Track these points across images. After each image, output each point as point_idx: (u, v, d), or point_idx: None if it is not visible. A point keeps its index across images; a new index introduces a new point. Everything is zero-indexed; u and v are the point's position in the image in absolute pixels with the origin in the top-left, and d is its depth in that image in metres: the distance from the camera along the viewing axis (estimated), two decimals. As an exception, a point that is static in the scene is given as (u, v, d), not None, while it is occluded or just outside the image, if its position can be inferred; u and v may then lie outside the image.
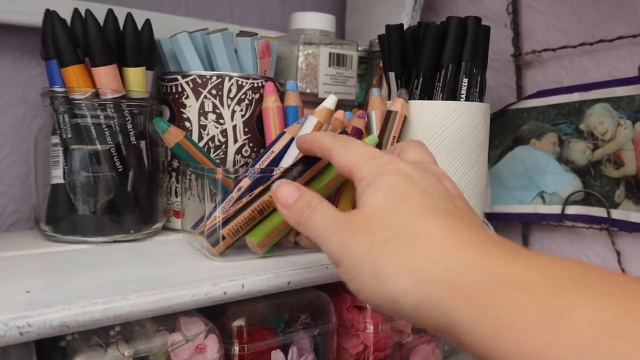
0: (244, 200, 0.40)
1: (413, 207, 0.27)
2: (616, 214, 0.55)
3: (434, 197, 0.28)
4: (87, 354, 0.33)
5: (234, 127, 0.51)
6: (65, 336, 0.34)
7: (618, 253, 0.57)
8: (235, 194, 0.42)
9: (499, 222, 0.65)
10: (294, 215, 0.32)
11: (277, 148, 0.46)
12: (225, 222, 0.40)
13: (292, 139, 0.46)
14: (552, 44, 0.61)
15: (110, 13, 0.48)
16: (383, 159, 0.30)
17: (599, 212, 0.57)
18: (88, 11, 0.45)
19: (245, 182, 0.42)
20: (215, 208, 0.41)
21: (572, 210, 0.59)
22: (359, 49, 0.64)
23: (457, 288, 0.23)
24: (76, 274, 0.37)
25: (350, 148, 0.32)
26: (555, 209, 0.60)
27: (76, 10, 0.47)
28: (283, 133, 0.47)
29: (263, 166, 0.45)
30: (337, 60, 0.61)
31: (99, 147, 0.46)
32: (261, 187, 0.41)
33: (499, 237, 0.26)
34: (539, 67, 0.63)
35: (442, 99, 0.51)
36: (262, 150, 0.52)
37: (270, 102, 0.51)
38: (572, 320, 0.19)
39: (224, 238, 0.40)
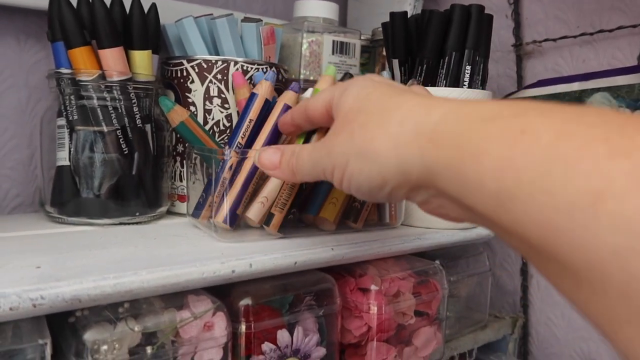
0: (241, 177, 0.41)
1: (383, 93, 0.29)
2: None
3: (400, 87, 0.31)
4: (96, 329, 0.34)
5: (239, 111, 0.51)
6: (75, 312, 0.34)
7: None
8: (227, 174, 0.42)
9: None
10: (285, 169, 0.34)
11: (254, 115, 0.46)
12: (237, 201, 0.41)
13: (266, 102, 0.46)
14: (552, 34, 0.62)
15: (116, -4, 0.48)
16: (346, 83, 0.33)
17: (597, 200, 0.58)
18: (96, -6, 0.45)
19: (234, 160, 0.42)
20: (213, 188, 0.41)
21: (571, 198, 0.60)
22: (362, 37, 0.64)
23: (428, 136, 0.24)
24: (85, 252, 0.37)
25: (319, 95, 0.35)
26: (554, 198, 0.61)
27: (82, -7, 0.47)
28: (254, 95, 0.46)
29: (245, 136, 0.45)
30: (341, 48, 0.61)
31: (105, 128, 0.46)
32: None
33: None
34: (540, 57, 0.64)
35: (445, 86, 0.52)
36: (236, 121, 0.51)
37: (246, 94, 0.49)
38: (531, 134, 0.20)
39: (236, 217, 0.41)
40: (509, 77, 0.66)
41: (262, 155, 0.35)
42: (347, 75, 0.53)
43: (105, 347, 0.34)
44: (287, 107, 0.43)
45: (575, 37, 0.59)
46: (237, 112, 0.51)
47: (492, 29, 0.54)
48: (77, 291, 0.31)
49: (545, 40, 0.62)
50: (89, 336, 0.33)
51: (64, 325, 0.35)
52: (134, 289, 0.33)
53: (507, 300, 0.69)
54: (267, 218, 0.42)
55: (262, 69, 0.52)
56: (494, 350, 0.62)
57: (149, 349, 0.35)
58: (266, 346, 0.40)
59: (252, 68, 0.52)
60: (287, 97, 0.44)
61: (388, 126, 0.27)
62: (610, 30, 0.56)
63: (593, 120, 0.19)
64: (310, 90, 0.46)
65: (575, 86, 0.58)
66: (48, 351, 0.30)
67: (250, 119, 0.46)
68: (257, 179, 0.42)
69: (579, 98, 0.58)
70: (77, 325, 0.34)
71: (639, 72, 0.53)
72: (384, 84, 0.31)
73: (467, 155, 0.22)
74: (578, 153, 0.18)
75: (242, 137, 0.45)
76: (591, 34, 0.58)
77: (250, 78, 0.51)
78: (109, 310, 0.34)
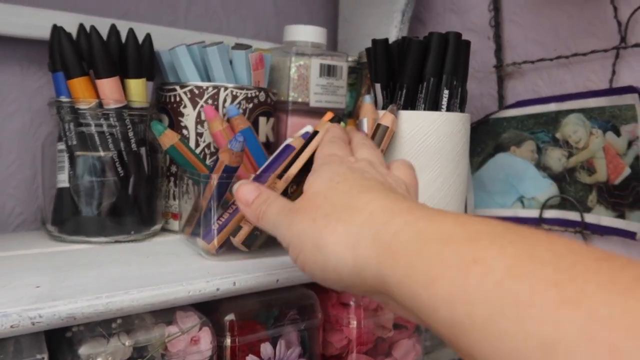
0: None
1: (352, 186, 0.29)
2: (589, 218, 0.59)
3: (372, 180, 0.31)
4: (91, 344, 0.36)
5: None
6: (72, 327, 0.37)
7: (591, 255, 0.60)
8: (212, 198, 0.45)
9: (482, 225, 0.68)
10: (254, 211, 0.34)
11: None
12: (223, 226, 0.44)
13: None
14: (531, 57, 0.65)
15: (113, 28, 0.51)
16: (334, 157, 0.34)
17: (573, 216, 0.60)
18: (93, 27, 0.48)
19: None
20: (210, 211, 0.44)
21: (549, 214, 0.63)
22: (349, 59, 0.67)
23: (386, 247, 0.25)
24: (81, 271, 0.40)
25: (322, 149, 0.36)
26: (534, 213, 0.64)
27: (81, 26, 0.50)
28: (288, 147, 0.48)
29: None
30: (328, 71, 0.64)
31: (102, 153, 0.49)
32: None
33: (433, 208, 0.28)
34: (519, 78, 0.66)
35: (424, 109, 0.54)
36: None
37: (220, 127, 0.51)
38: (483, 265, 0.20)
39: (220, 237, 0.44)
40: (491, 96, 0.69)
41: (241, 189, 0.36)
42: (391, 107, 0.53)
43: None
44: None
45: (551, 59, 0.62)
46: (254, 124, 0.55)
47: (474, 51, 0.57)
48: (72, 310, 0.34)
49: (524, 62, 0.65)
50: (83, 350, 0.36)
51: (61, 340, 0.38)
52: (125, 307, 0.36)
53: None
54: (235, 230, 0.44)
55: (249, 93, 0.55)
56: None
57: (139, 363, 0.38)
58: (250, 358, 0.43)
59: (241, 93, 0.55)
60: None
61: (350, 225, 0.27)
62: (584, 54, 0.59)
63: (544, 256, 0.19)
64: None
65: (552, 107, 0.61)
66: (44, 365, 0.33)
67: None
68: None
69: (555, 118, 0.61)
70: (73, 340, 0.37)
71: (609, 95, 0.56)
72: (355, 175, 0.31)
73: (421, 278, 0.22)
74: (529, 297, 0.18)
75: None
76: (567, 57, 0.61)
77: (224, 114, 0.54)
78: (102, 326, 0.37)
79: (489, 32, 0.69)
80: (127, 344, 0.37)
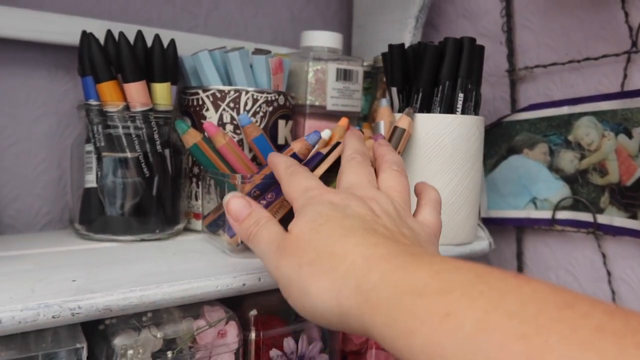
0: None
1: (334, 229, 0.30)
2: (601, 219, 0.60)
3: (355, 218, 0.31)
4: (124, 336, 0.38)
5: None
6: (104, 320, 0.39)
7: (604, 255, 0.61)
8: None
9: (495, 226, 0.70)
10: (244, 230, 0.35)
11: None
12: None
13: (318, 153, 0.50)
14: (543, 61, 0.66)
15: (139, 34, 0.53)
16: (314, 192, 0.34)
17: (586, 217, 0.61)
18: (121, 34, 0.50)
19: (249, 187, 0.46)
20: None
21: (561, 215, 0.64)
22: (364, 64, 0.69)
23: (366, 298, 0.26)
24: (112, 267, 0.42)
25: (292, 182, 0.36)
26: (547, 214, 0.65)
27: (109, 32, 0.52)
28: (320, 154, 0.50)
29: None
30: (344, 75, 0.65)
31: (128, 154, 0.51)
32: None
33: (414, 247, 0.29)
34: (532, 82, 0.68)
35: (439, 112, 0.56)
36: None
37: (222, 141, 0.52)
38: (455, 318, 0.21)
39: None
40: (503, 100, 0.71)
41: (232, 202, 0.36)
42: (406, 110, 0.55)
43: (131, 351, 0.38)
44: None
45: (563, 64, 0.63)
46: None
47: (487, 55, 0.58)
48: (109, 302, 0.35)
49: (537, 66, 0.66)
50: (117, 342, 0.37)
51: (94, 332, 0.39)
52: (157, 300, 0.37)
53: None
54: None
55: (269, 97, 0.57)
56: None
57: (169, 354, 0.40)
58: (273, 352, 0.44)
59: (261, 97, 0.57)
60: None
61: (333, 276, 0.28)
62: (596, 59, 0.60)
63: (512, 307, 0.21)
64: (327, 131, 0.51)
65: (565, 110, 0.62)
66: (84, 354, 0.35)
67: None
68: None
69: (567, 121, 0.62)
70: (106, 332, 0.39)
71: (620, 98, 0.57)
72: (340, 214, 0.31)
73: (399, 331, 0.24)
74: (498, 351, 0.19)
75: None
76: (578, 61, 0.62)
77: (234, 123, 0.56)
78: (134, 319, 0.39)
79: (502, 37, 0.70)
80: (158, 336, 0.39)
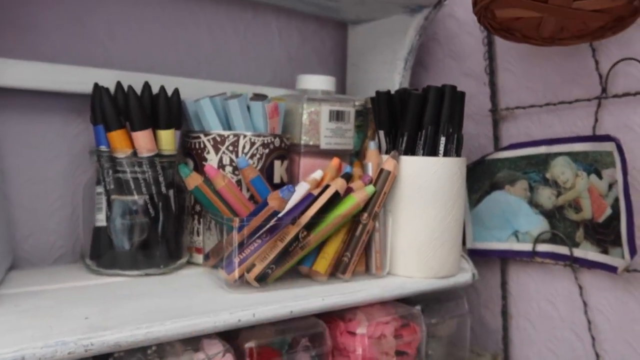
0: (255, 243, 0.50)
1: None
2: (577, 253, 0.64)
3: None
4: (131, 368, 0.42)
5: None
6: (114, 353, 0.43)
7: (580, 287, 0.65)
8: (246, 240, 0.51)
9: (480, 257, 0.74)
10: None
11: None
12: (242, 261, 0.50)
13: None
14: (523, 102, 0.71)
15: (146, 85, 0.58)
16: None
17: (563, 250, 0.65)
18: (130, 87, 0.55)
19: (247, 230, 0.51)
20: (235, 249, 0.51)
21: (541, 247, 0.68)
22: (356, 103, 0.74)
23: None
24: (120, 303, 0.47)
25: None
26: (528, 247, 0.69)
27: (119, 84, 0.57)
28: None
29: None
30: (337, 116, 0.70)
31: (136, 197, 0.56)
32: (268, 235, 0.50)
33: None
34: (513, 121, 0.72)
35: (423, 155, 0.60)
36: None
37: (222, 183, 0.56)
38: None
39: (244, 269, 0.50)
40: (487, 137, 0.75)
41: None
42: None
43: (137, 382, 0.42)
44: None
45: (541, 106, 0.68)
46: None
47: (471, 95, 0.63)
48: (119, 339, 0.40)
49: (517, 107, 0.71)
50: (125, 374, 0.42)
51: (104, 364, 0.44)
52: (161, 336, 0.42)
53: (491, 338, 0.76)
54: (249, 267, 0.51)
55: (265, 140, 0.62)
56: (476, 383, 0.70)
57: (171, 384, 0.44)
58: (267, 381, 0.48)
59: (258, 140, 0.61)
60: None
61: None
62: (570, 102, 0.65)
63: None
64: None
65: (542, 149, 0.67)
66: (95, 386, 0.39)
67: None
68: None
69: (545, 160, 0.66)
70: (115, 365, 0.43)
71: (591, 141, 0.61)
72: None
73: None
74: None
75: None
76: (555, 104, 0.67)
77: (234, 165, 0.61)
78: (140, 352, 0.43)
79: (485, 78, 0.75)
80: (161, 368, 0.43)
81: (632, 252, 0.56)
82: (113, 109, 0.55)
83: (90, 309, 0.45)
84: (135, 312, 0.44)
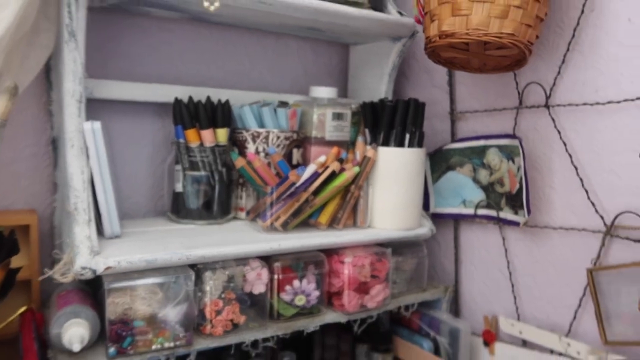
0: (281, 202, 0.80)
1: None
2: (502, 214, 0.92)
3: None
4: (209, 272, 0.72)
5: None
6: (197, 264, 0.73)
7: (503, 238, 0.94)
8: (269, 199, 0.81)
9: (440, 219, 1.02)
10: None
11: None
12: (272, 214, 0.79)
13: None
14: (470, 108, 0.98)
15: (208, 98, 0.87)
16: None
17: (493, 213, 0.94)
18: (200, 101, 0.84)
19: (275, 195, 0.81)
20: (268, 206, 0.80)
21: (480, 212, 0.96)
22: (353, 107, 1.02)
23: None
24: (197, 238, 0.77)
25: None
26: (471, 211, 0.97)
27: (190, 97, 0.86)
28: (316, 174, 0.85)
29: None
30: (338, 117, 0.98)
31: (202, 172, 0.86)
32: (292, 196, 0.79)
33: None
34: (465, 121, 1.00)
35: (394, 146, 0.89)
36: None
37: (258, 163, 0.85)
38: None
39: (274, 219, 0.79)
40: (446, 132, 1.03)
41: None
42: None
43: (211, 281, 0.72)
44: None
45: (482, 111, 0.95)
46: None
47: (437, 100, 0.91)
48: (204, 253, 0.70)
49: (467, 111, 0.98)
50: (206, 275, 0.72)
51: (192, 268, 0.74)
52: (228, 254, 0.72)
53: (447, 277, 1.06)
54: (276, 218, 0.80)
55: (287, 134, 0.91)
56: (433, 308, 0.99)
57: (231, 284, 0.74)
58: (288, 287, 0.78)
59: (282, 135, 0.90)
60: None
61: None
62: (499, 110, 0.92)
63: None
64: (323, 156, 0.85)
65: (482, 142, 0.94)
66: (192, 279, 0.69)
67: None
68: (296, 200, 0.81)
69: (483, 150, 0.94)
70: (200, 270, 0.73)
71: (510, 138, 0.89)
72: None
73: None
74: None
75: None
76: (490, 110, 0.94)
77: (265, 152, 0.90)
78: (212, 265, 0.73)
79: (447, 89, 1.02)
80: (225, 273, 0.73)
81: (529, 212, 0.84)
82: (188, 114, 0.84)
83: (181, 239, 0.75)
84: (209, 241, 0.74)
